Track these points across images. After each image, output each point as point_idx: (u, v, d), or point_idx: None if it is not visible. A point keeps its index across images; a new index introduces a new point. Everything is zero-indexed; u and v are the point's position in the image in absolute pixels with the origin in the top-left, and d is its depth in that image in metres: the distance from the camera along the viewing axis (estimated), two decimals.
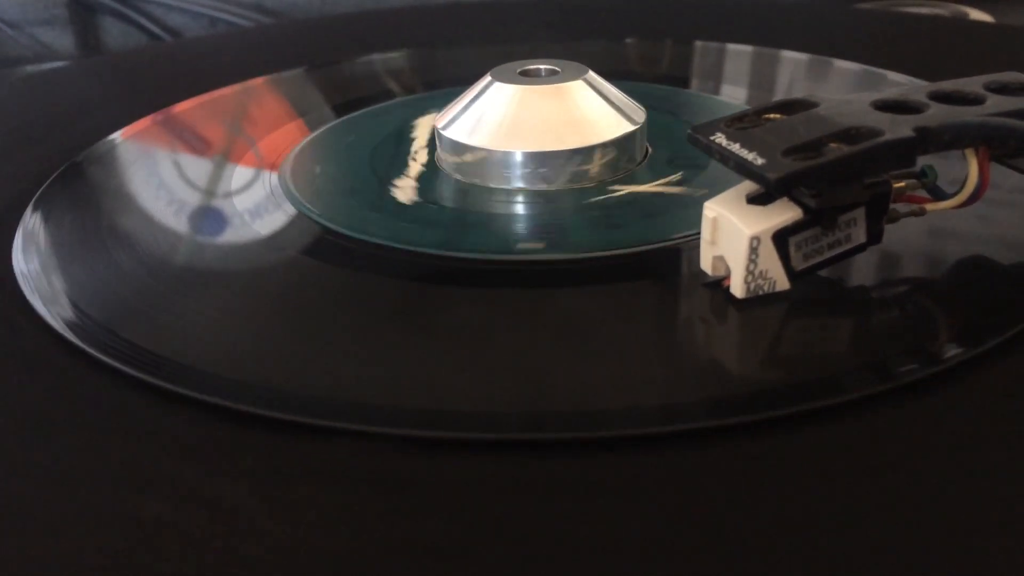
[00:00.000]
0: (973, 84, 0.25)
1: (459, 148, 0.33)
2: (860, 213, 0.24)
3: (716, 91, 0.44)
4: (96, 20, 0.69)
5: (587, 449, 0.20)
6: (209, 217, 0.32)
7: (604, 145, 0.32)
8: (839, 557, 0.17)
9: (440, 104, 0.35)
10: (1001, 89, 0.25)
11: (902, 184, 0.24)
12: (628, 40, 0.51)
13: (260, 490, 0.19)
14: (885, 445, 0.20)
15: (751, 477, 0.19)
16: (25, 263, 0.28)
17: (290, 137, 0.39)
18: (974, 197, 0.24)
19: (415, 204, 0.32)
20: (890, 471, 0.19)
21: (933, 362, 0.22)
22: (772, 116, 0.25)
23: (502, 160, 0.32)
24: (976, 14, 0.62)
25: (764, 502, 0.18)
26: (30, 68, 0.63)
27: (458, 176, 0.33)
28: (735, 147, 0.23)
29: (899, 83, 0.39)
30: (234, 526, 0.18)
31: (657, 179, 0.32)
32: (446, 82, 0.44)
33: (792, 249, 0.24)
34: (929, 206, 0.25)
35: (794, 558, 0.17)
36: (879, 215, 0.24)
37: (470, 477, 0.19)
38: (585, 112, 0.33)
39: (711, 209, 0.24)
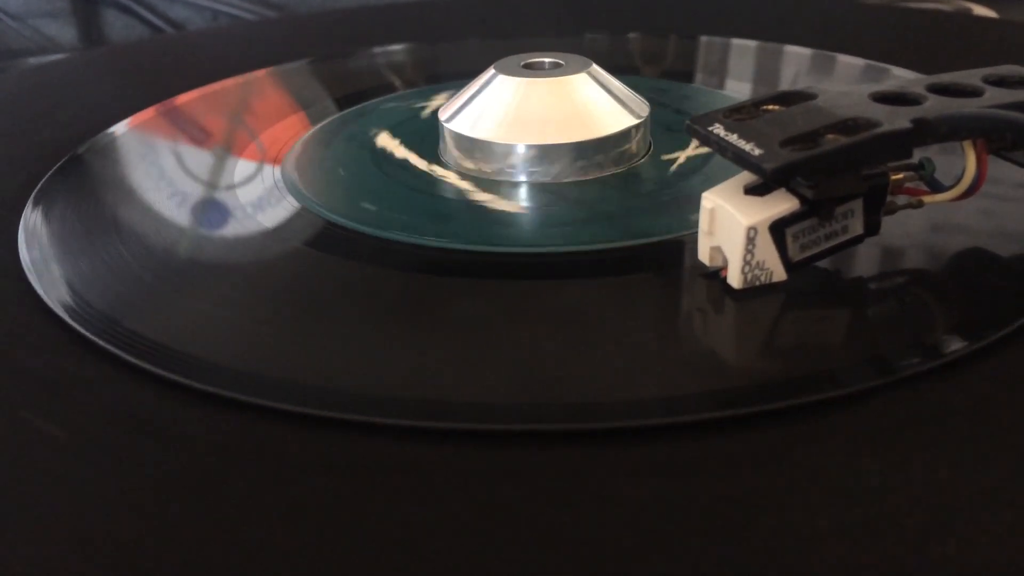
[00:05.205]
0: (971, 77, 0.25)
1: (462, 141, 0.33)
2: (858, 204, 0.24)
3: (720, 86, 0.44)
4: (99, 12, 0.69)
5: (584, 440, 0.20)
6: (211, 208, 0.33)
7: (607, 138, 0.32)
8: (836, 550, 0.17)
9: (443, 97, 0.35)
10: (999, 82, 0.25)
11: (900, 176, 0.24)
12: (632, 34, 0.51)
13: (262, 480, 0.19)
14: (884, 439, 0.20)
15: (748, 469, 0.19)
16: (29, 252, 0.28)
17: (292, 130, 0.39)
18: (972, 189, 0.24)
19: (418, 197, 0.32)
20: (888, 465, 0.19)
21: (933, 356, 0.22)
22: (770, 107, 0.25)
23: (505, 153, 0.32)
24: (979, 9, 0.62)
25: (761, 494, 0.18)
26: (33, 60, 0.63)
27: (461, 169, 0.33)
28: (733, 138, 0.23)
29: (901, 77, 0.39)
30: (235, 515, 0.18)
31: (659, 174, 0.33)
32: (449, 75, 0.44)
33: (789, 240, 0.24)
34: (927, 198, 0.25)
35: (791, 550, 0.17)
36: (877, 207, 0.24)
37: (470, 468, 0.19)
38: (588, 105, 0.33)
39: (709, 200, 0.24)
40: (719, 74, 0.46)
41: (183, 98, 0.43)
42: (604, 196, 0.31)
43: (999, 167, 0.25)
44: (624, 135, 0.32)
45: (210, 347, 0.24)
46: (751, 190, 0.24)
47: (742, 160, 0.23)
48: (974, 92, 0.25)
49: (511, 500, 0.18)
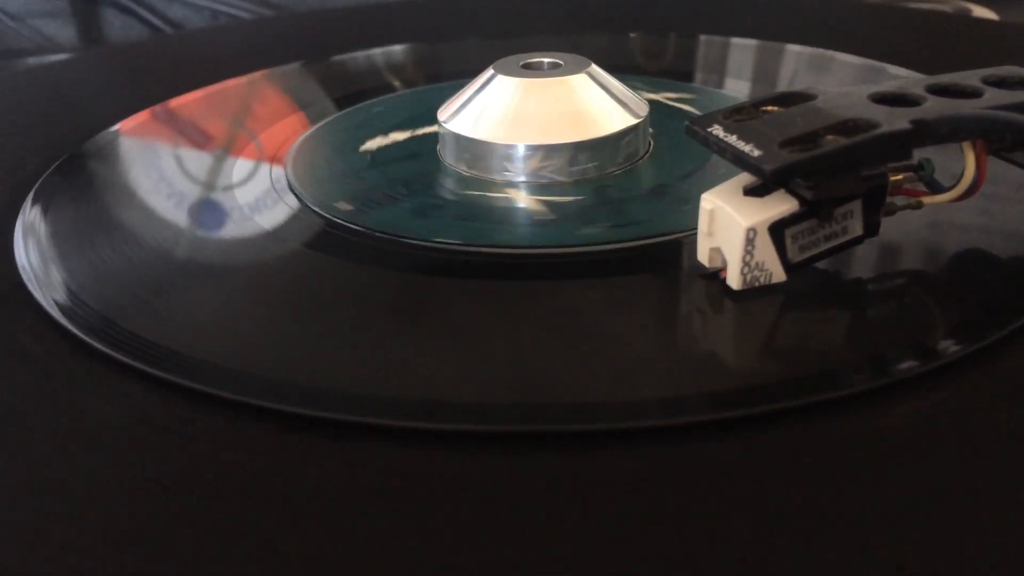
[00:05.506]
0: (971, 78, 0.25)
1: (461, 141, 0.33)
2: (857, 205, 0.24)
3: (720, 85, 0.44)
4: (98, 12, 0.69)
5: (582, 441, 0.20)
6: (209, 209, 0.33)
7: (606, 138, 0.32)
8: (835, 552, 0.17)
9: (443, 97, 0.35)
10: (999, 83, 0.25)
11: (899, 177, 0.24)
12: (631, 34, 0.51)
13: (258, 481, 0.19)
14: (883, 441, 0.20)
15: (747, 471, 0.19)
16: (25, 253, 0.28)
17: (291, 130, 0.39)
18: (971, 190, 0.24)
19: (417, 197, 0.32)
20: (888, 467, 0.19)
21: (932, 357, 0.22)
22: (770, 108, 0.25)
23: (504, 153, 0.32)
24: (979, 10, 0.62)
25: (760, 496, 0.18)
26: (32, 60, 0.63)
27: (460, 169, 0.33)
28: (732, 139, 0.23)
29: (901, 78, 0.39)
30: (233, 516, 0.18)
31: (659, 173, 0.33)
32: (448, 75, 0.44)
33: (788, 241, 0.24)
34: (926, 199, 0.25)
35: (789, 552, 0.17)
36: (876, 207, 0.24)
37: (468, 469, 0.19)
38: (588, 105, 0.33)
39: (708, 201, 0.24)
40: (719, 73, 0.46)
41: (182, 98, 0.43)
42: (603, 196, 0.31)
43: (999, 167, 0.25)
44: (623, 135, 0.32)
45: (208, 348, 0.24)
46: (750, 191, 0.24)
47: (741, 161, 0.23)
48: (974, 93, 0.25)
49: (510, 501, 0.18)
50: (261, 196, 0.32)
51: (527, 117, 0.32)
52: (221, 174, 0.35)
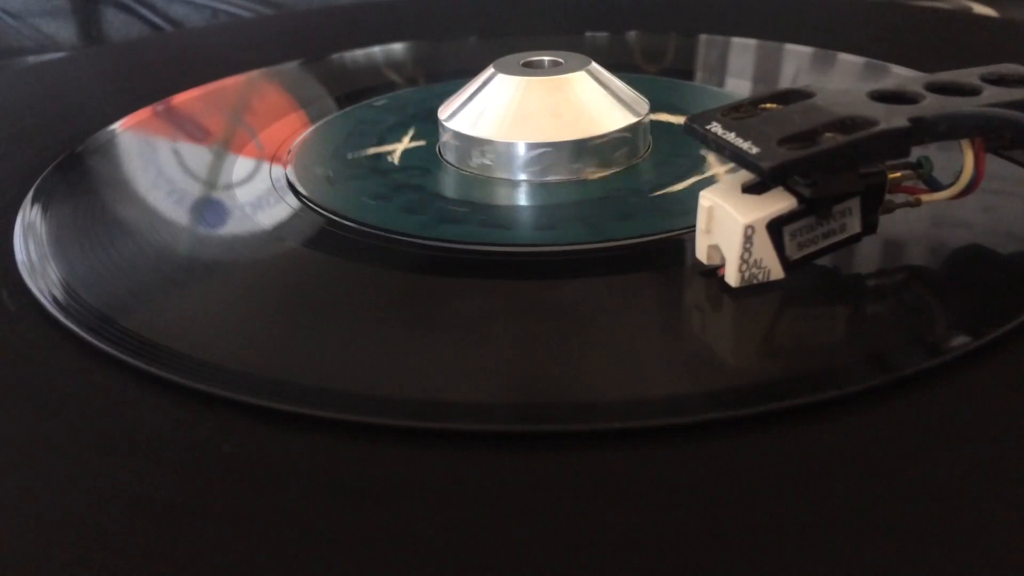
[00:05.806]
0: (970, 75, 0.25)
1: (462, 139, 0.33)
2: (855, 203, 0.24)
3: (721, 84, 0.44)
4: (98, 10, 0.69)
5: (582, 441, 0.20)
6: (209, 207, 0.33)
7: (606, 137, 0.32)
8: (835, 551, 0.17)
9: (443, 96, 0.35)
10: (998, 80, 0.25)
11: (897, 175, 0.24)
12: (632, 32, 0.51)
13: (258, 481, 0.19)
14: (883, 440, 0.20)
15: (746, 470, 0.19)
16: (25, 250, 0.28)
17: (291, 128, 0.39)
18: (969, 188, 0.24)
19: (417, 195, 0.32)
20: (888, 466, 0.19)
21: (933, 354, 0.22)
22: (768, 106, 0.25)
23: (504, 151, 0.32)
24: (979, 8, 0.62)
25: (760, 496, 0.18)
26: (32, 59, 0.63)
27: (460, 167, 0.33)
28: (731, 136, 0.23)
29: (900, 76, 0.39)
30: (229, 516, 0.18)
31: (659, 170, 0.32)
32: (449, 74, 0.44)
33: (787, 238, 0.24)
34: (924, 197, 0.25)
35: (789, 551, 0.17)
36: (874, 205, 0.24)
37: (468, 469, 0.19)
38: (588, 104, 0.33)
39: (707, 198, 0.24)
40: (719, 72, 0.46)
41: (182, 96, 0.43)
42: (603, 194, 0.31)
43: (997, 164, 0.25)
44: (624, 133, 0.32)
45: (208, 347, 0.24)
46: (749, 188, 0.24)
47: (740, 159, 0.23)
48: (972, 91, 0.25)
49: (510, 501, 0.18)
50: (261, 195, 0.32)
51: (527, 115, 0.32)
52: (221, 173, 0.35)
